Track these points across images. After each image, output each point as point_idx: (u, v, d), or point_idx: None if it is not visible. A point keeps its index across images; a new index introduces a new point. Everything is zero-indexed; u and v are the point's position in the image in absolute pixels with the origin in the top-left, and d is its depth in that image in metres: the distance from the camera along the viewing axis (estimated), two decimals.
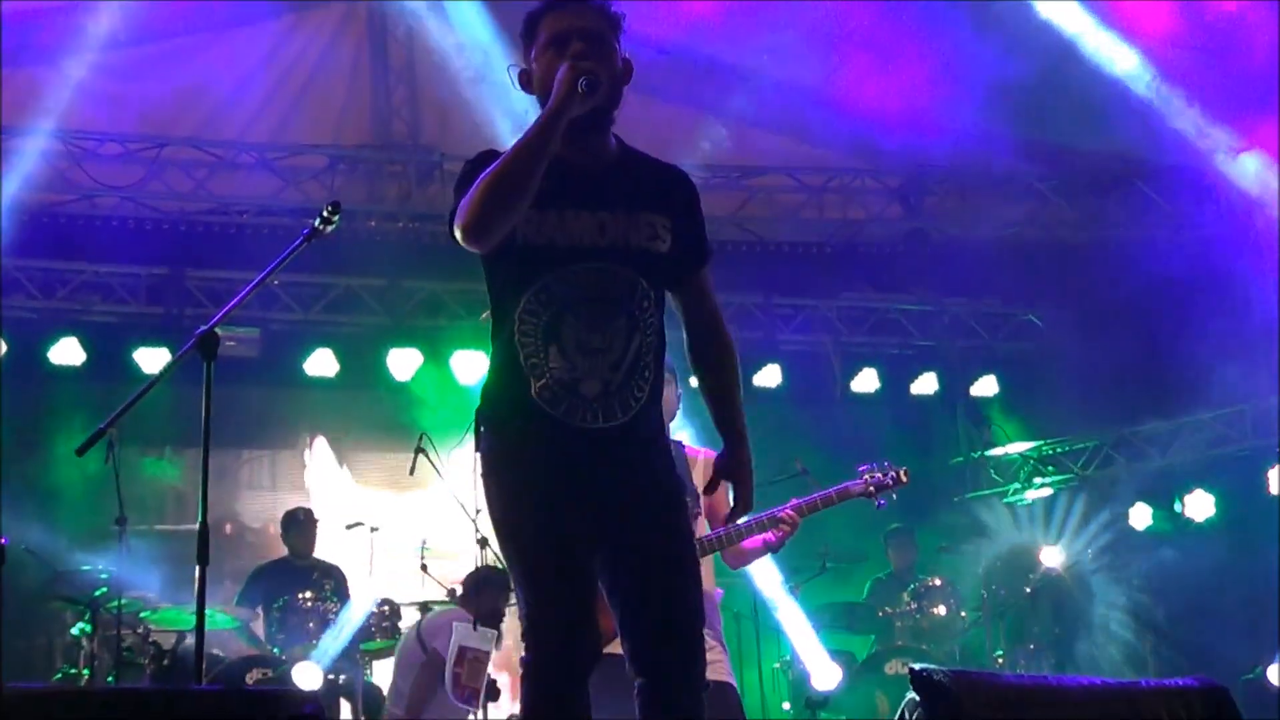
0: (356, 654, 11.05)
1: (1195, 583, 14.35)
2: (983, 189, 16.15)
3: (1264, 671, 13.00)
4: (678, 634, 4.71)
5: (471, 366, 13.95)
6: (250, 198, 14.52)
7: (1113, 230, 16.19)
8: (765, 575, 12.15)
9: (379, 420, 14.40)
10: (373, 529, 11.85)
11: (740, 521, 6.75)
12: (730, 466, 4.94)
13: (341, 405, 14.56)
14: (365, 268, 14.33)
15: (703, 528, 6.77)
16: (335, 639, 11.07)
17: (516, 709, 7.18)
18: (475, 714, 9.89)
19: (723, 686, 6.02)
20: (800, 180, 15.83)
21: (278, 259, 5.81)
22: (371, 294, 14.59)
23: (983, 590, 12.16)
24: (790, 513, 7.24)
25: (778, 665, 12.35)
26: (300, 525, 12.28)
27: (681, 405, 6.93)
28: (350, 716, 10.94)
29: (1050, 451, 15.88)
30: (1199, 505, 14.95)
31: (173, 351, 12.91)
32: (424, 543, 11.80)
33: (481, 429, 4.83)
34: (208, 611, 5.49)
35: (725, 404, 4.96)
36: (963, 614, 12.23)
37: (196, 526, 5.40)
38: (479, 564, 10.82)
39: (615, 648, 6.32)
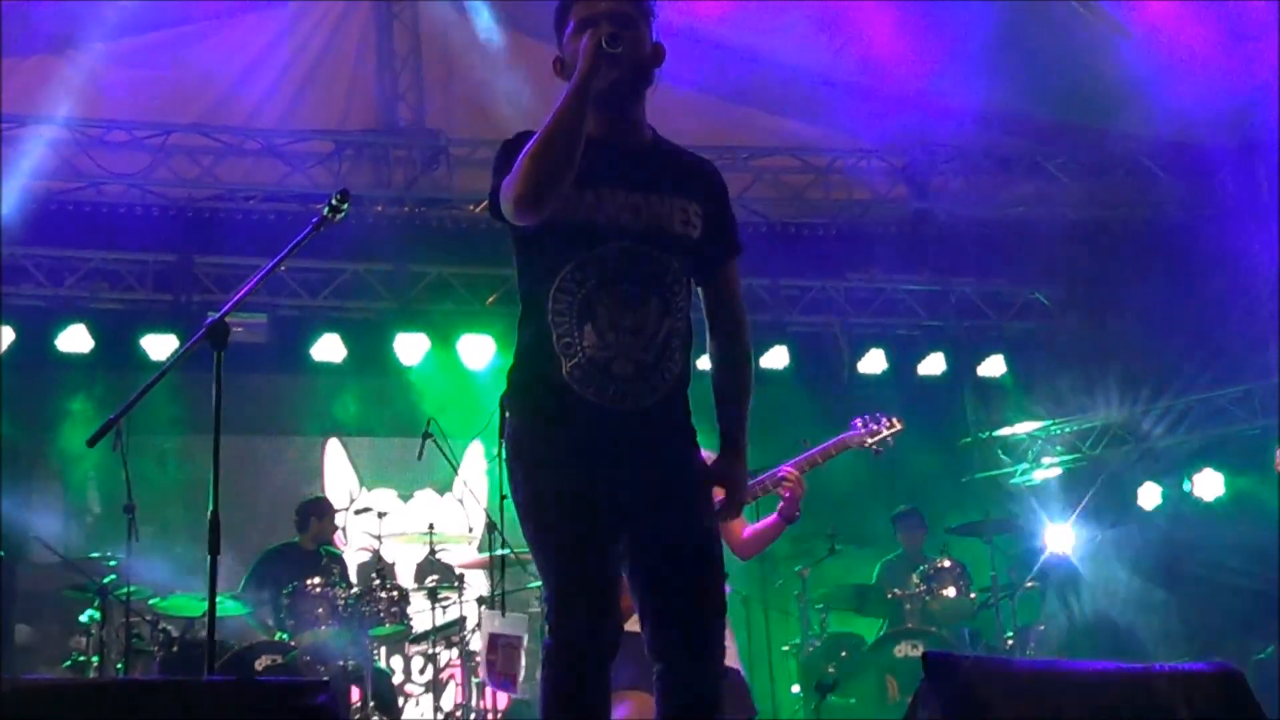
0: (366, 640, 11.05)
1: (1205, 562, 14.34)
2: (989, 169, 16.13)
3: (1275, 651, 12.98)
4: (698, 621, 4.74)
5: (478, 351, 13.97)
6: (257, 184, 14.51)
7: (1120, 209, 16.18)
8: (773, 558, 12.17)
9: (387, 405, 14.40)
10: (381, 514, 11.84)
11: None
12: (723, 476, 4.93)
13: (349, 390, 14.54)
14: (372, 252, 14.33)
15: None
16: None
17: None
18: (514, 696, 9.90)
19: (729, 672, 6.02)
20: (806, 161, 15.79)
21: (286, 248, 5.79)
22: (378, 279, 14.58)
23: (992, 571, 12.13)
24: (790, 469, 7.22)
25: (786, 649, 12.34)
26: (324, 514, 12.29)
27: None
28: (360, 703, 10.94)
29: (1058, 431, 15.86)
30: (1208, 484, 14.92)
31: (181, 339, 13.02)
32: (431, 528, 11.81)
33: (507, 414, 4.83)
34: (217, 598, 5.49)
35: (732, 410, 4.96)
36: (972, 595, 12.20)
37: (206, 515, 5.39)
38: (489, 548, 10.84)
39: (634, 625, 6.32)
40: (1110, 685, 4.48)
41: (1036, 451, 15.90)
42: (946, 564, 12.24)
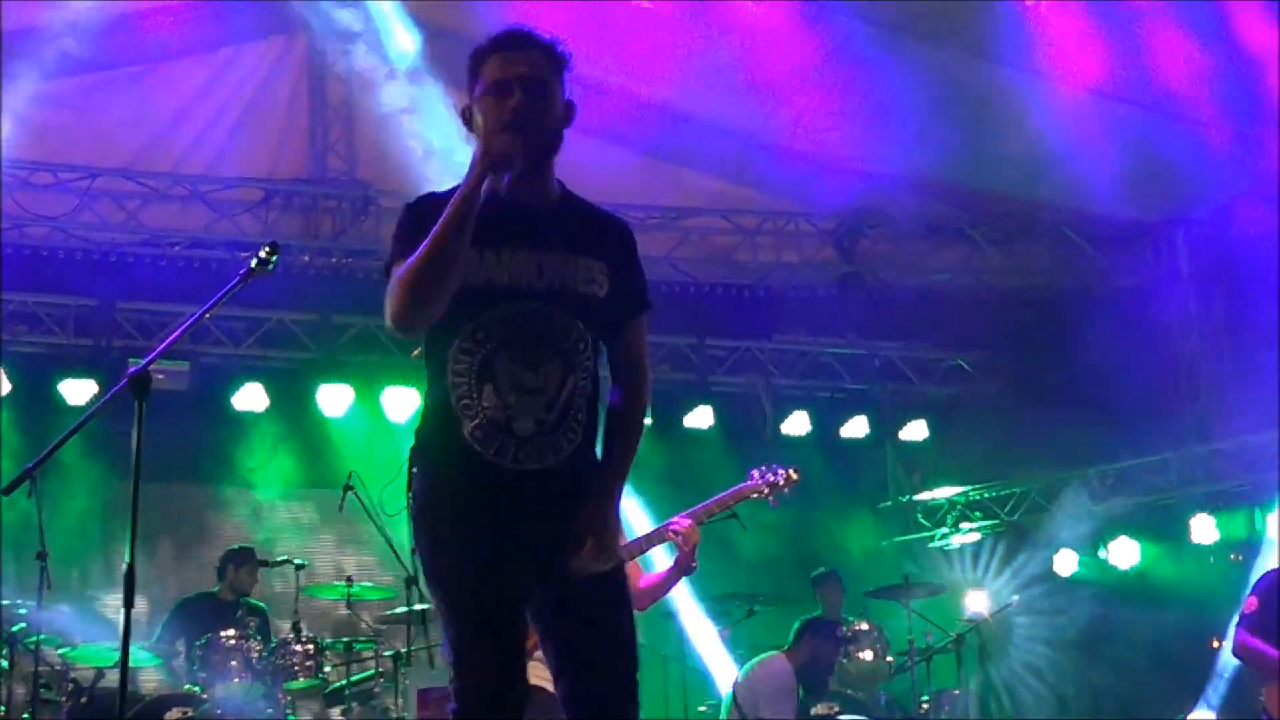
0: (279, 694, 10.95)
1: (1120, 630, 14.44)
2: (916, 235, 16.28)
3: (1184, 718, 13.09)
4: (614, 674, 4.68)
5: (403, 403, 13.92)
6: (183, 230, 14.47)
7: (1042, 278, 16.34)
8: (692, 616, 12.17)
9: (308, 455, 14.32)
10: (298, 566, 11.75)
11: (632, 539, 6.69)
12: (590, 520, 4.73)
13: (271, 440, 14.45)
14: (297, 302, 14.28)
15: None
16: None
17: None
18: None
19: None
20: (734, 222, 15.89)
21: (213, 299, 5.74)
22: (303, 328, 14.53)
23: (909, 635, 12.14)
24: (685, 522, 7.17)
25: (703, 709, 12.32)
26: (243, 563, 12.16)
27: None
28: None
29: (978, 497, 15.96)
30: (1124, 552, 15.05)
31: (101, 384, 12.94)
32: (350, 580, 11.72)
33: (414, 470, 4.80)
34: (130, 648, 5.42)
35: (614, 458, 4.86)
36: (889, 658, 12.19)
37: (122, 566, 5.32)
38: (407, 604, 10.76)
39: (538, 679, 6.24)
40: None
41: (956, 516, 15.98)
42: (864, 626, 12.24)
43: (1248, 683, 12.72)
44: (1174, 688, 14.01)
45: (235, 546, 12.57)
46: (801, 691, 12.30)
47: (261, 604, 12.14)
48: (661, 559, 8.21)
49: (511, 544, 4.62)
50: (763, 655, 11.54)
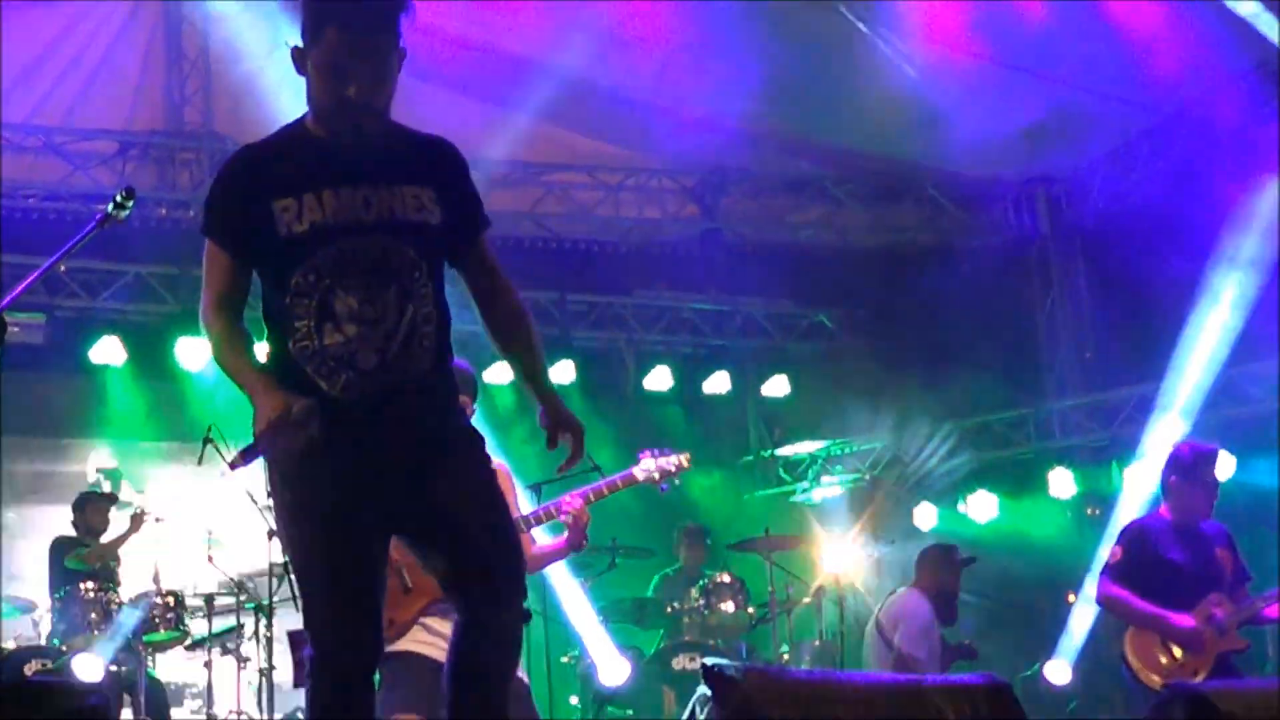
0: (139, 646, 10.87)
1: (977, 582, 14.61)
2: (778, 192, 16.35)
3: (1040, 669, 13.27)
4: (494, 562, 4.68)
5: (263, 356, 13.77)
6: (38, 182, 14.22)
7: (904, 235, 16.47)
8: (555, 569, 12.17)
9: (167, 409, 14.17)
10: (157, 519, 11.66)
11: (523, 513, 6.73)
12: (555, 418, 4.87)
13: (129, 394, 14.29)
14: (155, 255, 14.09)
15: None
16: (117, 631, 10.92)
17: None
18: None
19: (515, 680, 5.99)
20: (597, 178, 15.88)
21: (68, 244, 5.68)
22: (161, 282, 14.33)
23: (770, 587, 12.25)
24: (576, 503, 7.22)
25: (566, 659, 12.35)
26: (95, 501, 12.05)
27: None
28: (131, 712, 10.78)
29: (839, 451, 16.10)
30: (982, 506, 15.23)
31: None
32: (210, 534, 11.65)
33: None
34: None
35: (527, 366, 4.92)
36: (750, 610, 12.31)
37: None
38: (268, 558, 10.71)
39: (405, 644, 6.26)
40: (884, 695, 4.56)
41: (817, 471, 16.12)
42: (726, 579, 12.34)
43: (1103, 634, 12.97)
44: (1030, 640, 14.22)
45: (86, 490, 12.43)
46: (660, 643, 12.40)
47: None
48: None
49: (367, 479, 4.61)
50: (900, 589, 11.55)
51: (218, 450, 10.52)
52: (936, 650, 11.24)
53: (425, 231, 4.67)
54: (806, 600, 12.51)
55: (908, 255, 16.36)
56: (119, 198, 5.58)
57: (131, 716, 10.76)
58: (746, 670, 4.57)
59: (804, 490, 16.08)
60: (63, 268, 13.21)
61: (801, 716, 4.35)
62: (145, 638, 10.96)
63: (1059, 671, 13.26)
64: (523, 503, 7.75)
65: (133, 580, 11.86)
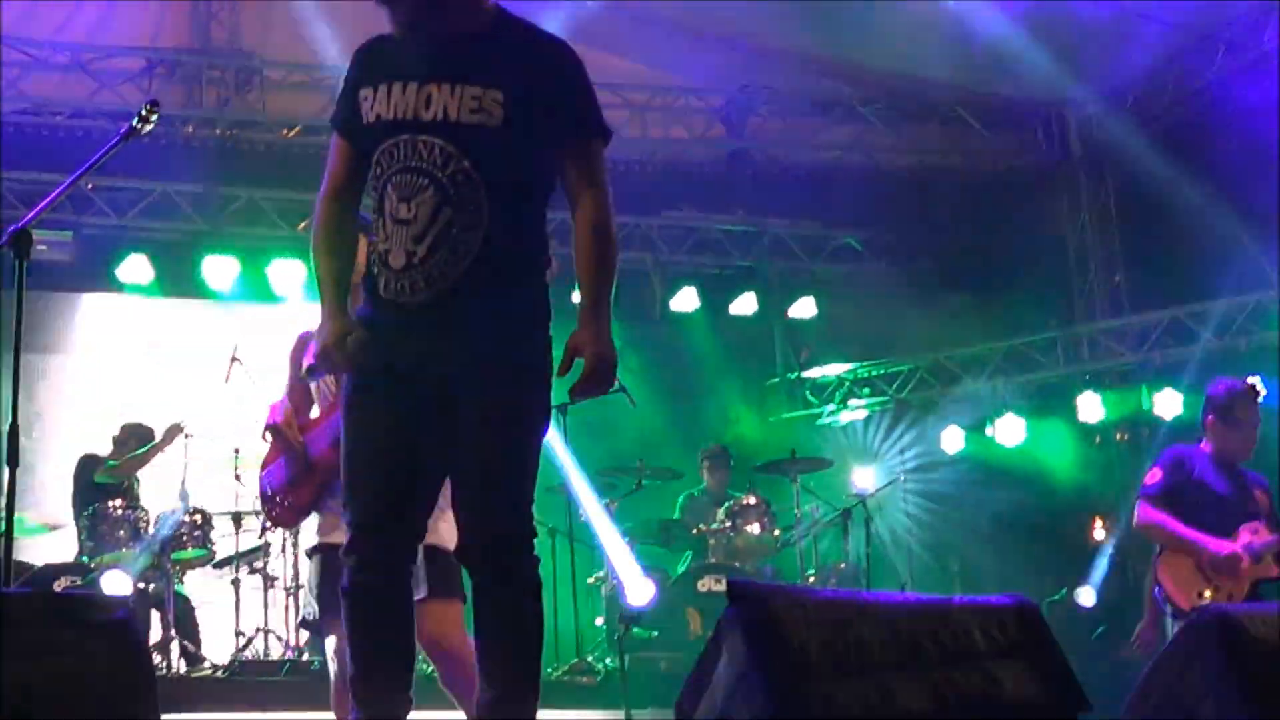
0: (167, 564, 10.92)
1: (1005, 506, 14.61)
2: (805, 112, 16.26)
3: (1068, 594, 13.28)
4: (497, 473, 4.63)
5: (289, 276, 13.77)
6: (64, 99, 14.20)
7: (932, 156, 16.39)
8: (581, 489, 12.20)
9: (194, 327, 14.18)
10: (187, 435, 11.68)
11: None
12: (573, 340, 4.74)
13: (155, 312, 14.30)
14: (182, 173, 14.07)
15: None
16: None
17: None
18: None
19: (439, 554, 5.84)
20: (624, 97, 15.78)
21: (95, 156, 5.67)
22: (188, 200, 14.31)
23: (796, 509, 12.26)
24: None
25: (591, 580, 12.39)
26: (143, 439, 12.01)
27: None
28: (160, 628, 10.84)
29: (866, 374, 16.07)
30: (1010, 430, 15.18)
31: None
32: (237, 452, 11.67)
33: None
34: (15, 518, 5.38)
35: (584, 279, 4.81)
36: (776, 532, 12.32)
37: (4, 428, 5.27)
38: None
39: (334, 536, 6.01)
40: (911, 615, 4.53)
41: (844, 393, 16.09)
42: (752, 501, 12.35)
43: (1129, 560, 12.96)
44: (1057, 564, 14.21)
45: (132, 423, 12.41)
46: (686, 565, 12.42)
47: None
48: None
49: (396, 373, 4.62)
50: None
51: (243, 368, 10.57)
52: None
53: (481, 135, 4.59)
54: (832, 523, 12.50)
55: (936, 176, 16.31)
56: (143, 111, 5.62)
57: (160, 632, 10.82)
58: (771, 589, 4.55)
59: (831, 413, 16.06)
60: (89, 185, 13.22)
61: (828, 636, 4.33)
62: (173, 555, 11.00)
63: (1087, 595, 13.27)
64: None
65: (159, 499, 11.88)
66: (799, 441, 13.75)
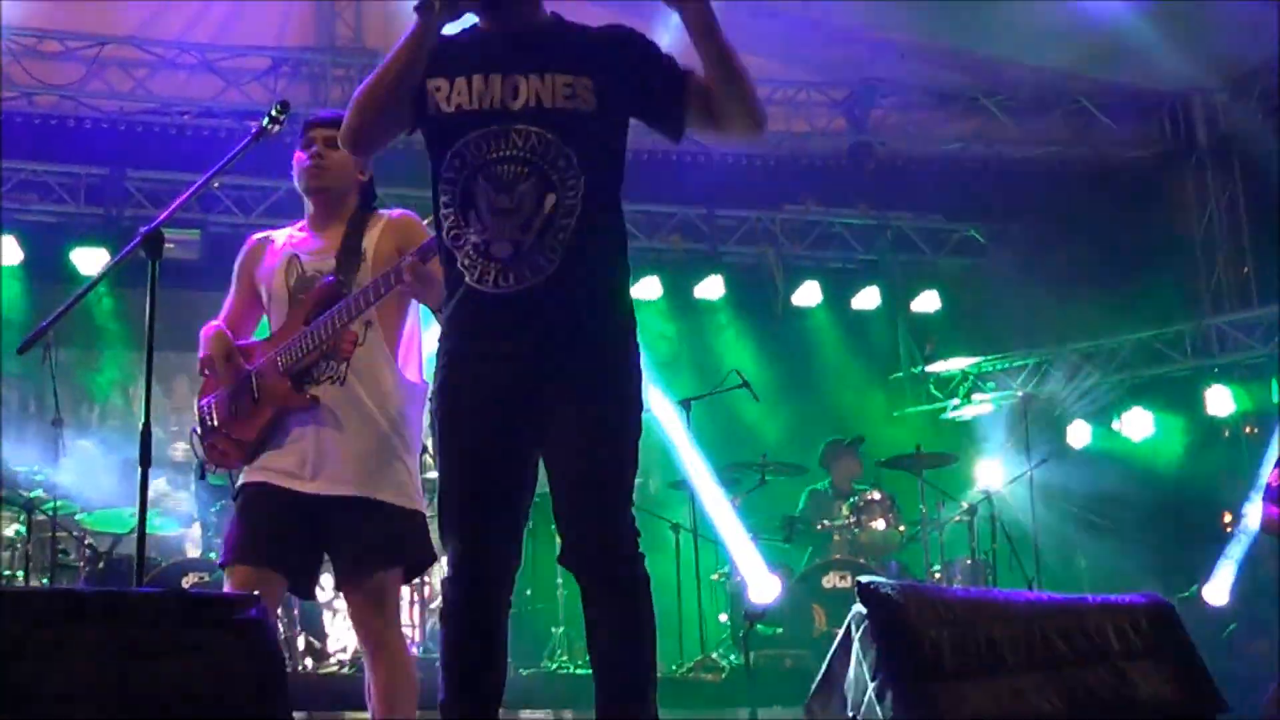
0: None
1: (1132, 501, 14.45)
2: (928, 104, 16.17)
3: (1199, 590, 13.12)
4: (598, 492, 4.54)
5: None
6: (191, 98, 14.37)
7: (1056, 148, 16.24)
8: (706, 487, 12.19)
9: None
10: None
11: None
12: None
13: None
14: None
15: None
16: None
17: None
18: None
19: (413, 514, 5.73)
20: None
21: (223, 160, 5.72)
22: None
23: (921, 505, 12.19)
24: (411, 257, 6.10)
25: (715, 577, 12.38)
26: None
27: None
28: (285, 625, 10.91)
29: (990, 368, 15.95)
30: (1137, 424, 15.02)
31: (112, 253, 12.88)
32: None
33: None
34: (147, 515, 5.41)
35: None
36: (901, 528, 12.27)
37: (138, 428, 5.30)
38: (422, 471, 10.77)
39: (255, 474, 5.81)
40: (1043, 615, 4.50)
41: (968, 387, 15.98)
42: (876, 496, 12.30)
43: (1262, 556, 12.77)
44: (1187, 561, 14.03)
45: None
46: (810, 561, 12.38)
47: None
48: None
49: (499, 370, 4.55)
50: None
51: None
52: None
53: (576, 120, 4.59)
54: (957, 518, 12.42)
55: (1059, 168, 16.16)
56: (274, 111, 5.66)
57: (285, 629, 10.90)
58: (903, 589, 4.52)
59: (955, 407, 15.95)
60: (217, 184, 13.35)
61: (960, 636, 4.30)
62: None
63: (1217, 593, 13.10)
64: None
65: None
66: (923, 436, 13.67)
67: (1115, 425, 15.14)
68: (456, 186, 4.59)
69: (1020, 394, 15.39)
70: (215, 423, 5.82)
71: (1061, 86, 15.99)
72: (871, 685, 4.21)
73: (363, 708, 5.61)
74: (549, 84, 4.59)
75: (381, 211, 6.02)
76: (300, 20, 14.84)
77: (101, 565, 10.64)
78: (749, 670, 10.26)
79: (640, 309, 4.81)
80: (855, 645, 4.43)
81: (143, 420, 5.24)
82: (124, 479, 11.19)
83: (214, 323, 5.99)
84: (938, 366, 16.07)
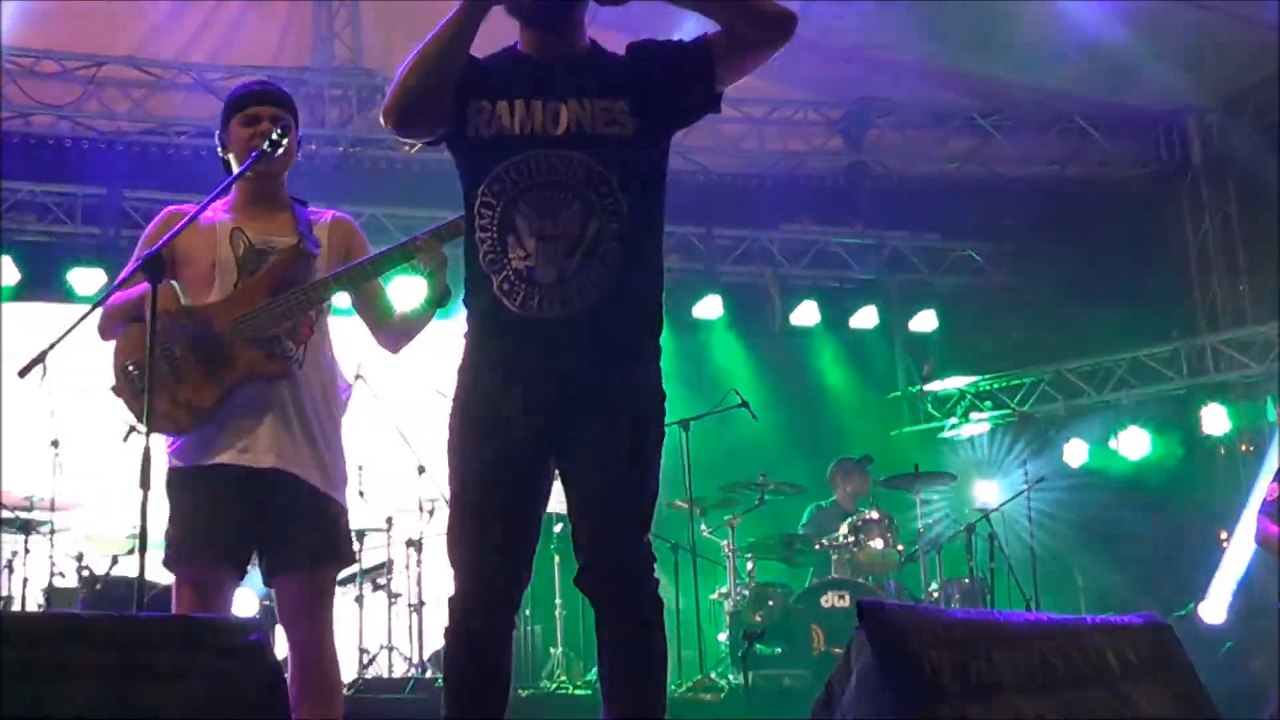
0: None
1: (1130, 519, 14.46)
2: (924, 124, 16.20)
3: (1195, 608, 13.12)
4: (615, 517, 4.55)
5: (411, 293, 13.81)
6: (189, 119, 14.38)
7: (1052, 167, 16.27)
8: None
9: None
10: None
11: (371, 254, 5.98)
12: None
13: None
14: (304, 192, 14.11)
15: None
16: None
17: None
18: None
19: (327, 499, 5.78)
20: (742, 111, 15.77)
21: (225, 182, 5.72)
22: None
23: (919, 524, 12.19)
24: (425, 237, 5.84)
25: (714, 597, 12.37)
26: None
27: None
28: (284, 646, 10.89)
29: (988, 387, 15.98)
30: (1134, 443, 15.04)
31: (109, 273, 12.88)
32: (360, 469, 11.73)
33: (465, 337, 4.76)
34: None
35: None
36: (899, 547, 12.25)
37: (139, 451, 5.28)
38: (418, 493, 10.78)
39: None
40: (1042, 635, 4.49)
41: (966, 406, 16.00)
42: (875, 516, 12.29)
43: (1259, 573, 12.78)
44: (1184, 578, 14.04)
45: None
46: (809, 580, 12.38)
47: None
48: None
49: (535, 396, 4.55)
50: None
51: (367, 385, 10.62)
52: None
53: (616, 145, 4.60)
54: (956, 538, 12.42)
55: (1056, 187, 16.19)
56: (275, 134, 5.64)
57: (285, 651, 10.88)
58: (902, 609, 4.51)
59: (953, 426, 15.97)
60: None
61: (960, 657, 4.29)
62: None
63: (1213, 611, 13.10)
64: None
65: None
66: (921, 455, 13.68)
67: (1112, 444, 15.15)
68: (496, 211, 4.57)
69: (1017, 413, 15.44)
70: (156, 384, 5.23)
71: (1057, 106, 16.02)
72: (871, 706, 4.20)
73: None
74: (588, 109, 4.60)
75: (312, 208, 6.02)
76: (298, 40, 14.86)
77: (100, 587, 10.61)
78: (748, 690, 10.25)
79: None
80: (855, 666, 4.42)
81: (144, 443, 5.22)
82: (121, 500, 11.17)
83: (141, 283, 5.47)
84: (935, 386, 16.10)
